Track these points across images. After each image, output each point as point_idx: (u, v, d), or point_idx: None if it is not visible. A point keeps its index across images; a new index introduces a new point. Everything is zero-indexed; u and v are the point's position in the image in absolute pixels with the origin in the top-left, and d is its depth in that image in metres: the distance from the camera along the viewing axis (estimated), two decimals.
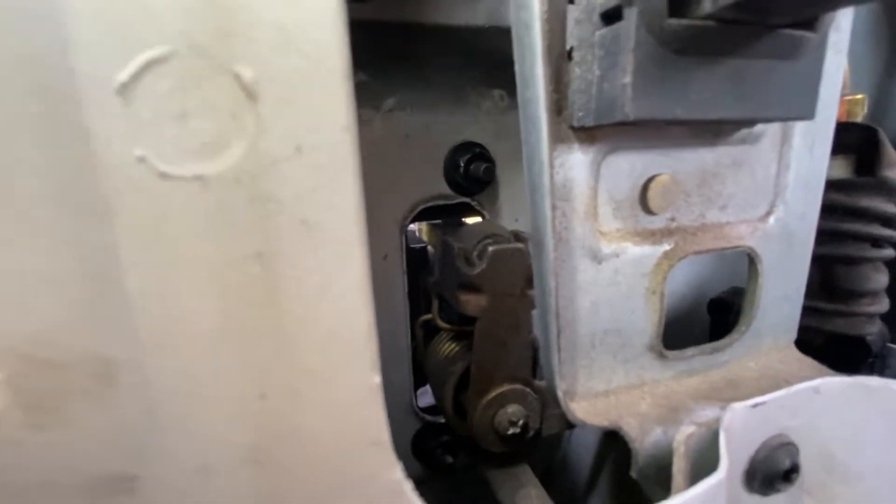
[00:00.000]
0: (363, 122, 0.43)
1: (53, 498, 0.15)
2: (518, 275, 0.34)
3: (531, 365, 0.37)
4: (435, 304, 0.43)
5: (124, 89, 0.13)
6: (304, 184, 0.15)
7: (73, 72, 0.13)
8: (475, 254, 0.35)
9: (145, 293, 0.15)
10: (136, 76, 0.13)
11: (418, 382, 0.51)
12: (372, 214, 0.46)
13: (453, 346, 0.43)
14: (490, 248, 0.34)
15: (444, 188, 0.46)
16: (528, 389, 0.37)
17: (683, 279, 0.69)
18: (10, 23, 0.13)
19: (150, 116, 0.14)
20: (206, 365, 0.15)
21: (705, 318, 0.57)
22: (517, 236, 0.38)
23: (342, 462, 0.17)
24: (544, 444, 0.58)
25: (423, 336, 0.47)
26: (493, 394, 0.36)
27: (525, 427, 0.38)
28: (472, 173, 0.44)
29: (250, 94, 0.14)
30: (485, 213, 0.49)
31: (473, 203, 0.48)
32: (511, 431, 0.37)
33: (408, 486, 0.18)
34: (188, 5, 0.14)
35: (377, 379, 0.17)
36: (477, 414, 0.37)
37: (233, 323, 0.15)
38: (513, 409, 0.37)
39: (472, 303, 0.35)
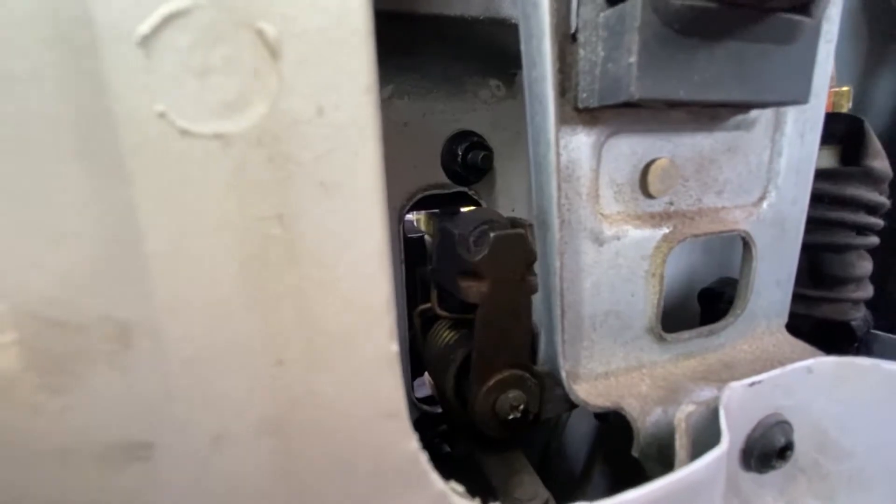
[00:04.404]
0: None
1: (67, 466, 0.15)
2: (519, 260, 0.34)
3: (531, 350, 0.38)
4: (434, 292, 0.43)
5: (145, 42, 0.13)
6: (323, 145, 0.15)
7: (93, 22, 0.13)
8: (473, 240, 0.35)
9: (163, 255, 0.14)
10: (158, 29, 0.13)
11: (415, 373, 0.51)
12: None
13: (453, 333, 0.43)
14: (491, 234, 0.34)
15: (442, 177, 0.46)
16: (527, 374, 0.38)
17: (674, 269, 0.70)
18: None
19: (171, 71, 0.13)
20: (224, 330, 0.15)
21: (695, 307, 0.58)
22: (515, 223, 0.38)
23: (357, 431, 0.17)
24: (541, 429, 0.58)
25: (420, 326, 0.47)
26: (494, 380, 0.36)
27: (525, 411, 0.38)
28: (471, 162, 0.44)
29: (273, 51, 0.14)
30: (482, 202, 0.49)
31: (470, 192, 0.48)
32: (512, 416, 0.37)
33: (423, 458, 0.18)
34: None
35: (394, 347, 0.17)
36: (478, 400, 0.37)
37: (252, 287, 0.15)
38: (514, 395, 0.37)
39: (473, 289, 0.35)
